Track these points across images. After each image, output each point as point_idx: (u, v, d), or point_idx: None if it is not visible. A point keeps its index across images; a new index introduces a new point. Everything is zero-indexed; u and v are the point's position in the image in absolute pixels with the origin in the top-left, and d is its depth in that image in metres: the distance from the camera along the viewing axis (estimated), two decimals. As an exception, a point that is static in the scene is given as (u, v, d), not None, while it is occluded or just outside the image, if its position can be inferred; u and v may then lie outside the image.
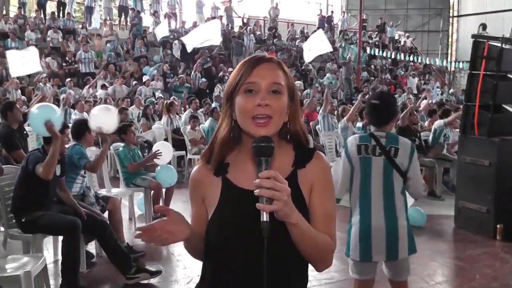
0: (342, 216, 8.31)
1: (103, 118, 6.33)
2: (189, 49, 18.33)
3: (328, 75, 22.34)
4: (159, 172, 7.90)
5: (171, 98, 16.17)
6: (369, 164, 3.84)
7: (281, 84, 1.89)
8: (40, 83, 16.74)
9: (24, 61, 13.16)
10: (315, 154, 1.99)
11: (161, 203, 7.91)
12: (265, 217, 1.69)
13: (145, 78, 19.02)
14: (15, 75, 14.67)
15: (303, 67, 24.11)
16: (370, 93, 20.34)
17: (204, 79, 20.00)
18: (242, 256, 1.86)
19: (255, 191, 1.68)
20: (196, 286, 2.07)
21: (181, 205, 7.92)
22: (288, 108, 1.93)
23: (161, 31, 21.58)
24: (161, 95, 17.84)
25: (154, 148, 8.30)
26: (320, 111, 12.96)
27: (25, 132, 8.48)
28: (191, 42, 17.61)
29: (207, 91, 19.46)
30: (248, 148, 1.85)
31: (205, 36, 17.20)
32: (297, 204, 1.78)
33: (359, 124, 11.30)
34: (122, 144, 8.01)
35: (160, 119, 13.79)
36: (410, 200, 4.84)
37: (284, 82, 1.92)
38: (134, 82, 18.64)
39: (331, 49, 19.83)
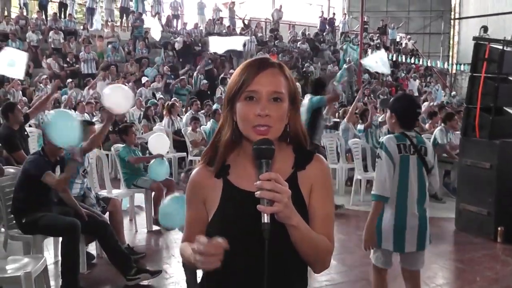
0: (343, 219, 8.37)
1: (117, 98, 6.27)
2: (214, 50, 19.32)
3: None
4: (151, 166, 7.83)
5: (172, 99, 16.18)
6: (408, 162, 4.12)
7: (282, 92, 1.89)
8: (41, 84, 16.76)
9: (10, 63, 12.95)
10: (315, 156, 2.00)
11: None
12: (265, 218, 1.70)
13: (144, 80, 19.01)
14: None
15: (304, 69, 24.10)
16: (371, 95, 20.38)
17: (205, 81, 20.02)
18: (243, 257, 1.86)
19: (256, 193, 1.69)
20: (198, 285, 2.07)
21: (182, 206, 7.91)
22: (288, 112, 1.93)
23: (156, 33, 21.69)
24: (161, 96, 17.86)
25: (150, 141, 8.27)
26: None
27: (25, 133, 8.48)
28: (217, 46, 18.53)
29: (208, 92, 19.48)
30: (249, 150, 1.86)
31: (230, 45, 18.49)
32: (297, 206, 1.79)
33: (360, 127, 11.30)
34: (123, 145, 8.01)
35: (161, 121, 13.80)
36: None
37: (285, 88, 1.92)
38: (129, 84, 18.58)
39: (388, 72, 19.85)
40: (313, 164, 1.98)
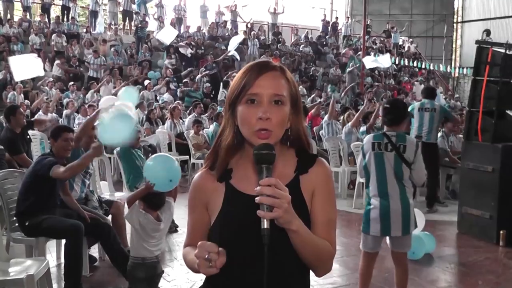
0: (345, 222, 8.38)
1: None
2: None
3: (329, 86, 22.27)
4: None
5: (176, 102, 16.20)
6: (382, 158, 4.72)
7: (283, 95, 1.89)
8: (46, 87, 16.80)
9: (26, 65, 12.92)
10: (317, 160, 2.00)
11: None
12: (265, 224, 1.70)
13: (146, 82, 19.06)
14: (18, 79, 14.54)
15: (311, 73, 24.12)
16: (374, 98, 20.43)
17: (208, 84, 20.04)
18: (244, 262, 1.86)
19: (255, 199, 1.69)
20: None
21: (184, 209, 7.88)
22: (290, 115, 1.93)
23: (167, 37, 21.63)
24: (165, 99, 17.91)
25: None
26: (325, 118, 12.95)
27: (28, 137, 8.50)
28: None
29: (212, 95, 19.50)
30: (250, 154, 1.85)
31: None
32: (299, 210, 1.79)
33: (363, 128, 11.31)
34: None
35: (163, 124, 13.81)
36: (420, 223, 6.04)
37: (287, 91, 1.91)
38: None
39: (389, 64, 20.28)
40: (316, 168, 1.98)
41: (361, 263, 4.93)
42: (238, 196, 1.93)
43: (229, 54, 21.47)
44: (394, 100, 5.80)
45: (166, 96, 18.32)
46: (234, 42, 20.75)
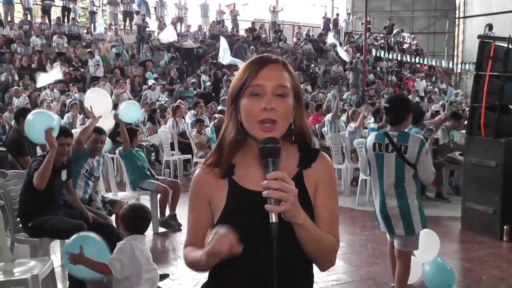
0: (349, 218, 8.37)
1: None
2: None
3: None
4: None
5: (177, 102, 16.22)
6: (382, 159, 4.63)
7: (286, 86, 1.88)
8: (48, 89, 16.82)
9: (50, 78, 15.47)
10: (319, 154, 2.00)
11: (167, 207, 7.91)
12: (273, 218, 1.70)
13: (150, 82, 19.08)
14: (39, 85, 16.20)
15: (311, 70, 24.10)
16: (375, 96, 20.43)
17: (209, 83, 20.05)
18: (250, 257, 1.85)
19: (263, 193, 1.69)
20: (203, 285, 2.07)
21: (187, 209, 7.91)
22: (293, 109, 1.92)
23: (167, 36, 21.66)
24: (167, 99, 17.92)
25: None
26: (328, 117, 12.92)
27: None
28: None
29: (213, 94, 19.52)
30: (254, 150, 1.86)
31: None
32: (303, 204, 1.79)
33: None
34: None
35: (165, 123, 13.82)
36: (435, 247, 5.58)
37: (290, 83, 1.91)
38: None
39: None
40: (319, 162, 1.98)
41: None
42: (241, 192, 1.93)
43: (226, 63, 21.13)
44: (394, 98, 5.51)
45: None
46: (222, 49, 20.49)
